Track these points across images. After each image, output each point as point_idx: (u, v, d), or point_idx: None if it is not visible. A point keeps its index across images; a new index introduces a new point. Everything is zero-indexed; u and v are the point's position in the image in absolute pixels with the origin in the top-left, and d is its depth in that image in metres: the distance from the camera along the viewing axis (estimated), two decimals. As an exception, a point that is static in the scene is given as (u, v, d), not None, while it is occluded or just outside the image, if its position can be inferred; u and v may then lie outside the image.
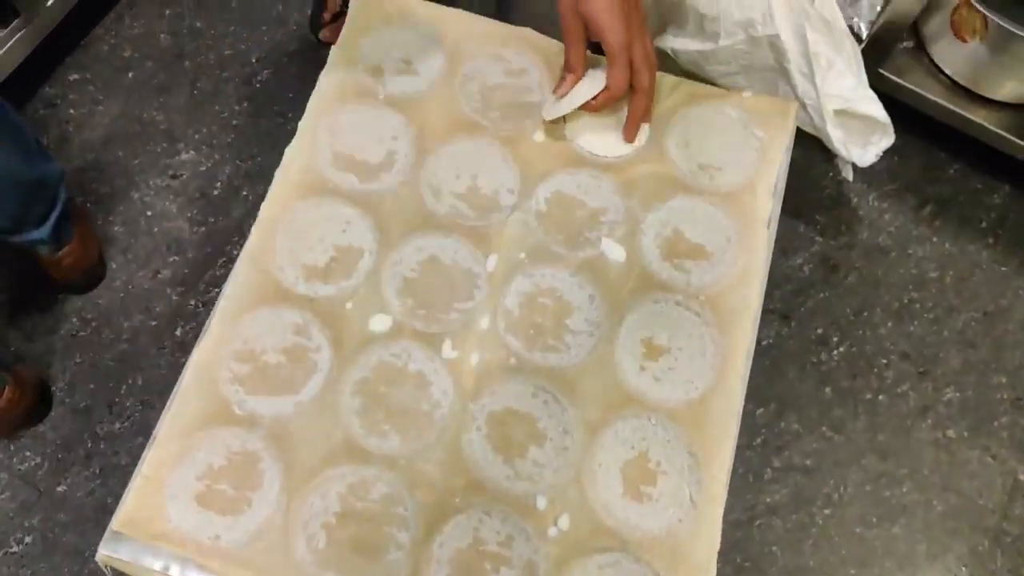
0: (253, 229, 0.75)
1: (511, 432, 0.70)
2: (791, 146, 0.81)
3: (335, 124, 0.81)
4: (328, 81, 0.82)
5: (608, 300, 0.74)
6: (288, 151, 0.79)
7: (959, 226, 1.43)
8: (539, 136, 0.81)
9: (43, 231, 1.21)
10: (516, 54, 0.85)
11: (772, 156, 0.80)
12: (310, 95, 0.81)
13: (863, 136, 1.30)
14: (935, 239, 1.42)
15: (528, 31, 0.86)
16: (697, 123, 0.82)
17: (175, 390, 0.70)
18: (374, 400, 0.71)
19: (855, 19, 1.52)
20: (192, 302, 1.32)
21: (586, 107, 0.79)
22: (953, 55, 1.37)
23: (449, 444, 0.69)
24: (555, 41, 0.86)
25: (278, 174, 0.78)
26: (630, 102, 0.79)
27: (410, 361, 0.72)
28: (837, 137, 1.28)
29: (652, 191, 0.79)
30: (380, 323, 0.73)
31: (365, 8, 0.86)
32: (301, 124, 0.81)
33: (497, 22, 0.87)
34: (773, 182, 0.79)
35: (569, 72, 0.79)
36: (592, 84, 0.78)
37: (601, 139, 0.81)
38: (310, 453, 0.68)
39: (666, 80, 0.84)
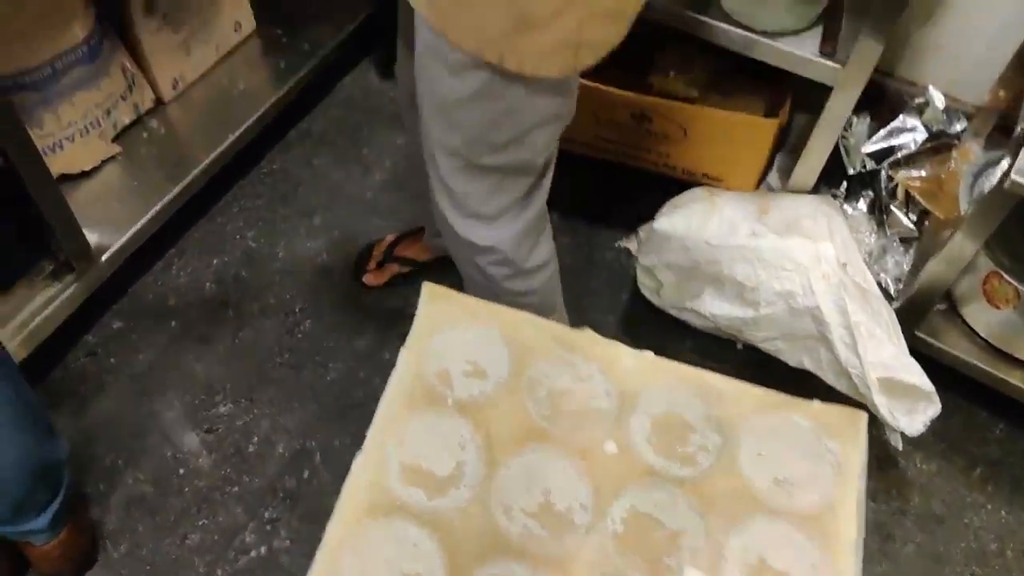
0: (318, 553, 0.72)
1: None
2: (866, 463, 0.79)
3: (403, 433, 0.79)
4: (397, 387, 0.82)
5: (693, 637, 0.70)
6: (355, 464, 0.77)
7: (1012, 491, 1.39)
8: (611, 447, 0.80)
9: (43, 520, 1.12)
10: (581, 359, 0.85)
11: (849, 477, 0.78)
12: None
13: (908, 403, 1.29)
14: (990, 506, 1.37)
15: (590, 334, 0.87)
16: (768, 433, 0.81)
17: None
18: None
19: (882, 275, 1.56)
20: (219, 572, 1.26)
21: None
22: (986, 319, 1.39)
23: None
24: (620, 345, 0.87)
25: (345, 489, 0.76)
26: None
27: None
28: (883, 404, 1.27)
29: (730, 510, 0.76)
30: (450, 665, 0.68)
31: (433, 309, 0.88)
32: (369, 433, 0.79)
33: (559, 325, 0.88)
34: (855, 506, 0.76)
35: None
36: None
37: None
38: None
39: (731, 387, 0.84)
